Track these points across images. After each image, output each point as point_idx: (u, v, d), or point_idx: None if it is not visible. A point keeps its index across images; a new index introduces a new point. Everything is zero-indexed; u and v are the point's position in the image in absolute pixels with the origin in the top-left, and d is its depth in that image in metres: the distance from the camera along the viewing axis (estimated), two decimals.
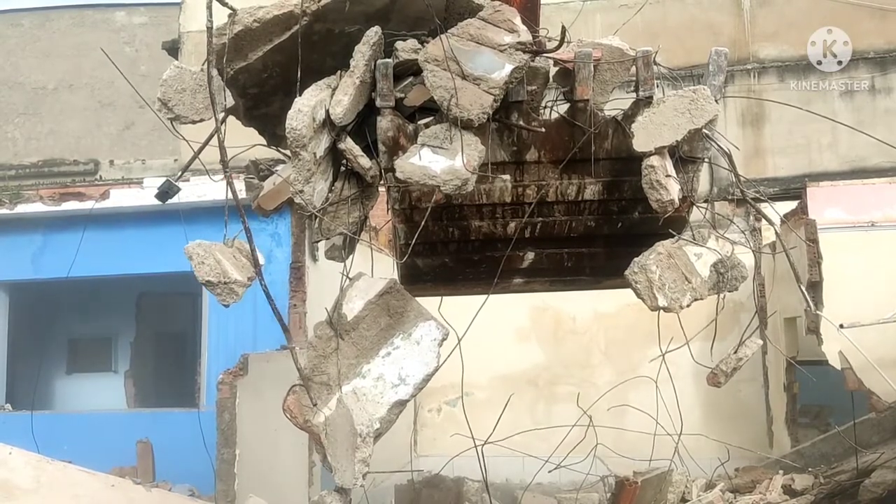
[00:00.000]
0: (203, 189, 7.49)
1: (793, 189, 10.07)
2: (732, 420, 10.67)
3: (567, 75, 3.77)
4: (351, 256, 4.17)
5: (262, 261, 3.94)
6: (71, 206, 9.07)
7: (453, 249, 4.19)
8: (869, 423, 8.08)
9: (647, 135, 3.55)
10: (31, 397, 9.01)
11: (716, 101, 3.58)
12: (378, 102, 3.63)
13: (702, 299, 3.74)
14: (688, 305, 3.68)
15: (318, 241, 4.23)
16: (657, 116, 3.57)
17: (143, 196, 8.58)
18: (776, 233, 4.79)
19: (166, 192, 4.52)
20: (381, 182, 3.92)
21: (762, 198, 4.51)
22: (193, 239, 3.80)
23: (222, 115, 3.85)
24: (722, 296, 3.83)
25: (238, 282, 3.70)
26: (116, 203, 8.95)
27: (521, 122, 3.74)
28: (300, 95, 3.61)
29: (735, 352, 3.92)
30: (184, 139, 4.09)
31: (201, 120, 3.83)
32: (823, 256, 8.57)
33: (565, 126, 3.77)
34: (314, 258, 8.68)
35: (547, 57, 3.69)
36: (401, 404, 3.98)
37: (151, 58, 16.77)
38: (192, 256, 3.68)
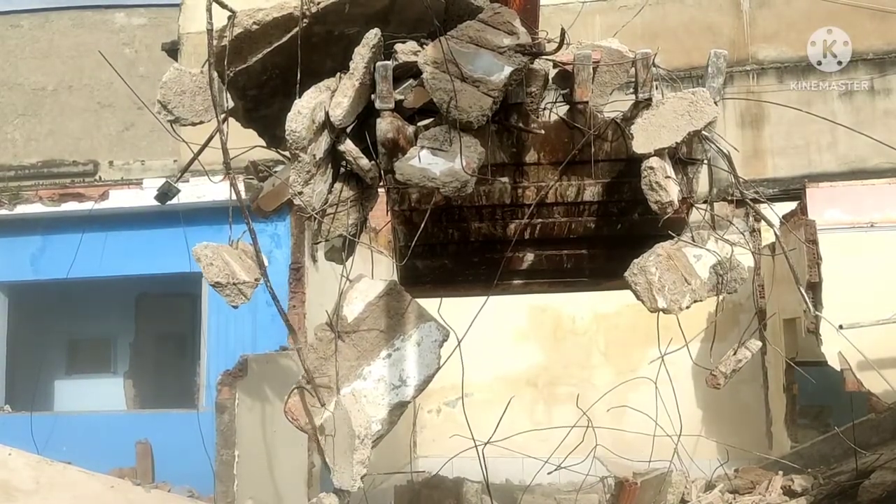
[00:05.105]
0: (202, 190, 7.50)
1: (792, 190, 10.07)
2: (732, 421, 10.68)
3: (566, 77, 3.77)
4: (351, 258, 4.17)
5: (265, 262, 3.94)
6: (70, 206, 9.05)
7: (453, 251, 4.18)
8: (868, 423, 8.07)
9: (647, 136, 3.55)
10: (31, 398, 9.01)
11: (715, 102, 3.58)
12: (377, 104, 3.63)
13: (701, 301, 3.74)
14: (687, 307, 3.68)
15: (317, 243, 4.24)
16: (656, 118, 3.57)
17: (143, 197, 8.58)
18: (775, 234, 4.80)
19: (166, 193, 4.55)
20: (381, 184, 3.93)
21: (761, 199, 4.50)
22: (193, 240, 3.81)
23: (223, 116, 3.85)
24: (721, 297, 3.83)
25: (246, 283, 3.71)
26: (116, 204, 8.94)
27: (521, 124, 3.75)
28: (300, 97, 3.61)
29: (734, 353, 3.92)
30: (183, 141, 4.10)
31: (201, 122, 3.83)
32: (823, 257, 8.58)
33: (565, 128, 3.77)
34: (314, 259, 8.68)
35: (546, 59, 3.69)
36: (401, 406, 3.99)
37: (151, 59, 16.75)
38: (201, 258, 3.68)
